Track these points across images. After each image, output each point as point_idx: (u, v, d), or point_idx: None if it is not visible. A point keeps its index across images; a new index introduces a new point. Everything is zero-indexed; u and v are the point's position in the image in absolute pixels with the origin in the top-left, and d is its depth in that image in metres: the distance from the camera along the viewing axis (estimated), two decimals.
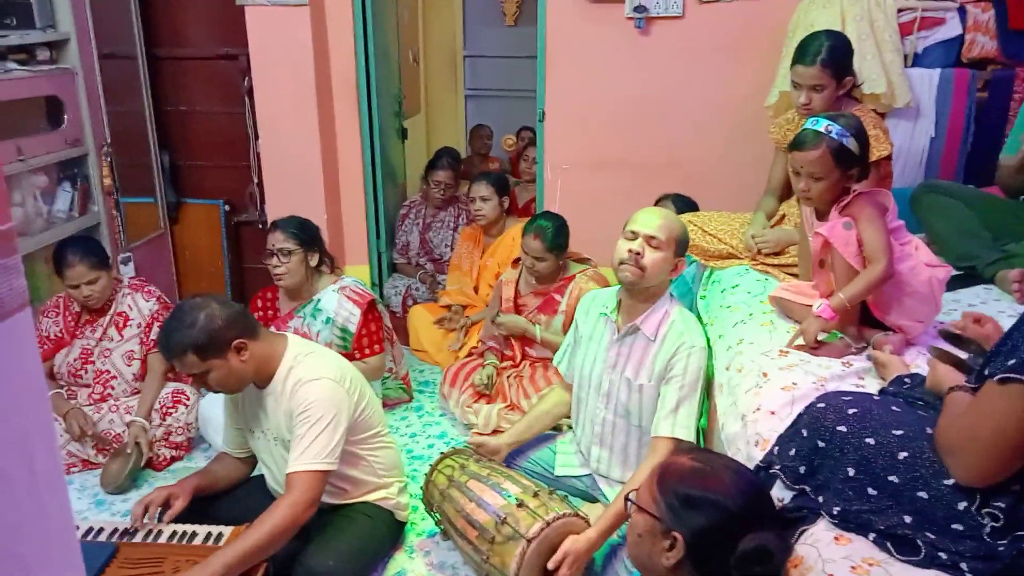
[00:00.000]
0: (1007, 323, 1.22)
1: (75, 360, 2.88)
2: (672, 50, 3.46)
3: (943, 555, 1.23)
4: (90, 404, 2.87)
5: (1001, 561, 1.17)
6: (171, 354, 1.95)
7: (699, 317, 2.61)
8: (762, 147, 3.15)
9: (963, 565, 1.21)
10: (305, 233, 2.84)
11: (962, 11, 3.10)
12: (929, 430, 1.31)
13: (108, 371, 2.90)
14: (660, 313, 2.18)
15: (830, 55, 2.35)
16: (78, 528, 2.01)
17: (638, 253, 2.10)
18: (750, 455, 1.76)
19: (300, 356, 2.07)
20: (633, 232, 2.14)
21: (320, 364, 2.07)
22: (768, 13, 3.33)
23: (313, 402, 1.98)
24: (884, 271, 1.87)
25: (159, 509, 2.03)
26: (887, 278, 1.89)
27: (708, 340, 2.38)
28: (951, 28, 3.12)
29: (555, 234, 3.03)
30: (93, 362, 2.90)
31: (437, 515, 2.27)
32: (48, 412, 0.71)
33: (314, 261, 2.87)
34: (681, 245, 2.17)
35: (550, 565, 1.94)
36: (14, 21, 3.01)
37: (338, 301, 2.86)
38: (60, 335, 2.90)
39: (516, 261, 3.26)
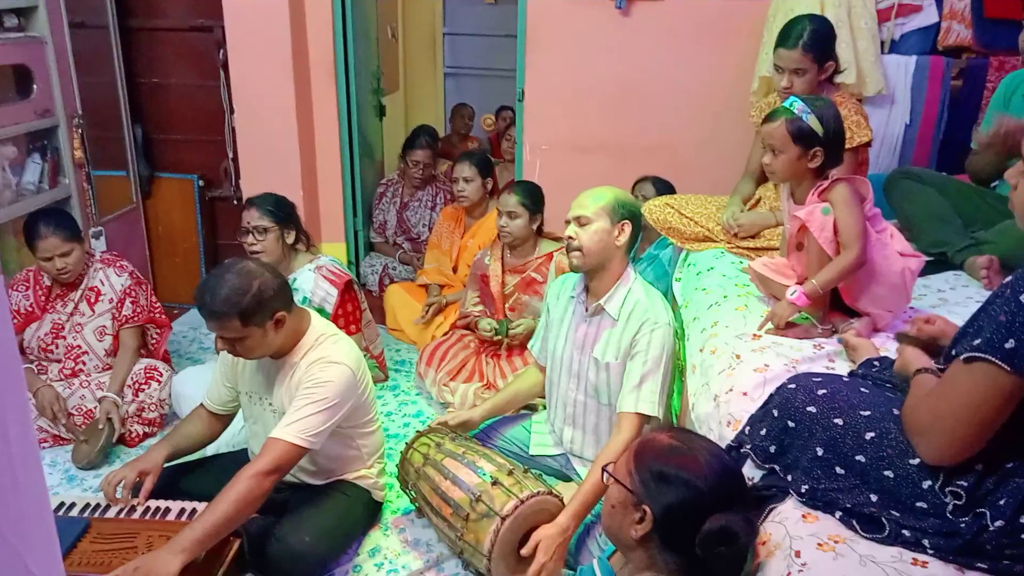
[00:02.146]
0: (974, 308, 1.25)
1: (46, 335, 2.84)
2: (653, 32, 3.45)
3: (906, 532, 1.27)
4: (61, 379, 2.84)
5: (962, 538, 1.20)
6: (213, 314, 1.92)
7: (674, 299, 2.63)
8: (743, 131, 3.16)
9: (925, 542, 1.25)
10: (281, 210, 2.81)
11: None
12: (896, 411, 1.34)
13: (79, 346, 2.86)
14: (623, 292, 2.22)
15: (812, 39, 2.37)
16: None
17: (571, 237, 2.19)
18: (722, 435, 1.78)
19: (323, 336, 2.09)
20: (567, 221, 2.23)
21: (343, 349, 2.09)
22: None
23: (325, 382, 1.99)
24: (856, 258, 1.90)
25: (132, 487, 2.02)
26: (859, 265, 1.91)
27: (681, 320, 2.41)
28: (928, 16, 3.15)
29: (529, 188, 3.08)
30: (64, 337, 2.86)
31: (412, 493, 2.28)
32: (22, 386, 0.70)
33: (290, 239, 2.84)
34: (617, 211, 2.20)
35: (524, 552, 1.96)
36: None
37: (315, 280, 2.84)
38: (30, 309, 2.85)
39: (495, 240, 3.26)
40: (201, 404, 2.31)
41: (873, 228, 1.98)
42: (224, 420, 2.31)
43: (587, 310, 2.26)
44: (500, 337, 3.10)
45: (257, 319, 1.94)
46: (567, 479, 2.45)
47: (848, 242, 1.91)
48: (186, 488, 2.16)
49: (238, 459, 2.26)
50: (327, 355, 2.04)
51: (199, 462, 2.35)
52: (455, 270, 3.74)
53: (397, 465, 2.34)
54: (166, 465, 2.21)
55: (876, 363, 1.69)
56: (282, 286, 2.02)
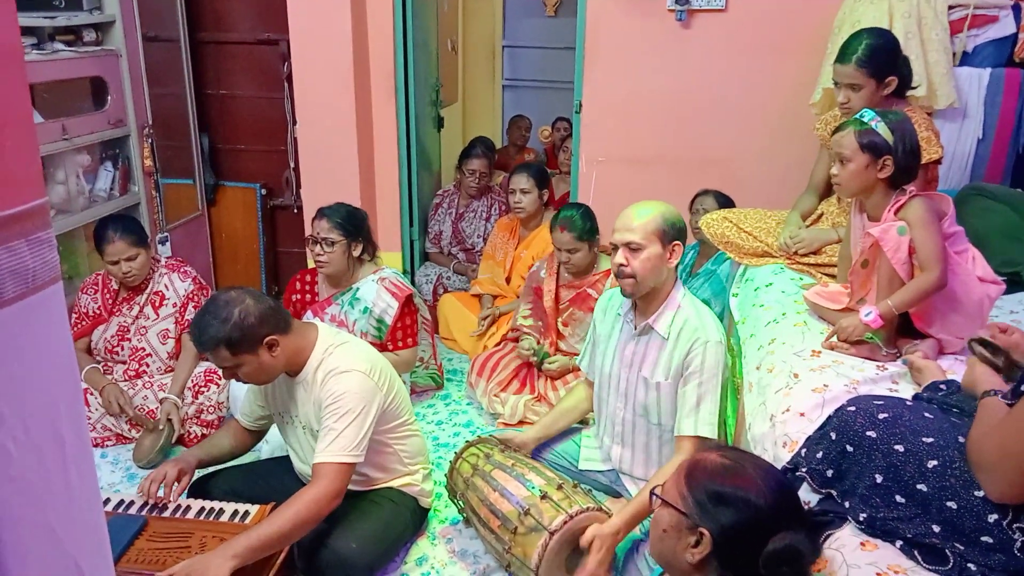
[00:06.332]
0: None
1: (112, 337, 2.94)
2: (714, 44, 3.41)
3: (972, 567, 1.21)
4: (125, 380, 2.93)
5: None
6: (203, 347, 1.96)
7: (731, 315, 2.58)
8: (802, 145, 3.09)
9: None
10: (351, 224, 2.84)
11: (1016, 9, 3.00)
12: (961, 439, 1.28)
13: (143, 348, 2.96)
14: (672, 310, 2.15)
15: (867, 54, 2.30)
16: (109, 500, 2.06)
17: (622, 264, 2.08)
18: (777, 456, 1.74)
19: (331, 347, 2.09)
20: (613, 244, 2.11)
21: (351, 356, 2.08)
22: (813, 8, 3.26)
23: (343, 394, 2.00)
24: (937, 280, 1.82)
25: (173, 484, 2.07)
26: (940, 287, 1.83)
27: (738, 336, 2.36)
28: (1004, 27, 3.03)
29: (582, 221, 2.97)
30: (129, 339, 2.95)
31: (461, 503, 2.28)
32: (77, 386, 0.72)
33: (357, 251, 2.87)
34: (668, 232, 2.09)
35: (582, 542, 1.92)
36: (62, 3, 3.07)
37: (377, 292, 2.87)
38: (98, 312, 2.96)
39: (552, 255, 3.24)
40: (234, 418, 2.34)
41: (952, 248, 1.89)
42: (255, 435, 2.34)
43: (635, 329, 2.22)
44: (536, 360, 3.08)
45: (245, 346, 1.94)
46: (616, 495, 2.41)
47: (927, 263, 1.82)
48: (238, 491, 2.20)
49: (284, 464, 2.31)
50: (335, 367, 2.03)
51: (249, 465, 2.41)
52: (508, 281, 3.75)
53: (446, 474, 2.34)
54: (222, 467, 2.29)
55: (943, 386, 1.62)
56: (268, 311, 1.98)
